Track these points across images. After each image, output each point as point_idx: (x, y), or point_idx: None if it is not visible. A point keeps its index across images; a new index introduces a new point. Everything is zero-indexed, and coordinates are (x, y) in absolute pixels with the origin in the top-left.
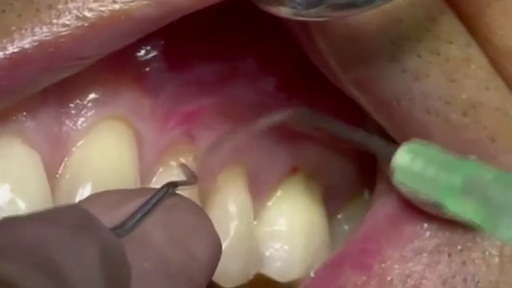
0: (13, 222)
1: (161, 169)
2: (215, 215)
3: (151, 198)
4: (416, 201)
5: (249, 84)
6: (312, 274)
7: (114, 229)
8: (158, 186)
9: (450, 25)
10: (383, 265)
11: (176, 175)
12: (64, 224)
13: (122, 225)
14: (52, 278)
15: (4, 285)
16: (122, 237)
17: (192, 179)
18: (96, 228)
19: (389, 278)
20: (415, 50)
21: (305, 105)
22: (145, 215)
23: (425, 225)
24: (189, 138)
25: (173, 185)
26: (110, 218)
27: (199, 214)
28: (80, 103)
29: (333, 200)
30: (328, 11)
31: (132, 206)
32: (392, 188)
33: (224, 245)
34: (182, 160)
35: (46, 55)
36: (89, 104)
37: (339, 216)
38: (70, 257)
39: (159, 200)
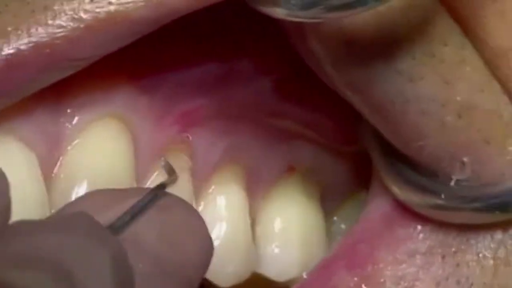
0: (27, 229)
1: (157, 169)
2: (211, 214)
3: (143, 198)
4: (409, 203)
5: (244, 84)
6: (304, 275)
7: (107, 227)
8: (154, 185)
9: (445, 27)
10: (376, 266)
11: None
12: (76, 231)
13: (112, 224)
14: (66, 286)
15: None
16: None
17: (173, 175)
18: (104, 234)
19: (382, 280)
20: (410, 52)
21: (300, 105)
22: (135, 215)
23: (419, 227)
24: (185, 137)
25: (163, 186)
26: (102, 217)
27: (191, 213)
28: (76, 101)
29: (329, 200)
30: (323, 13)
31: (124, 205)
32: (386, 190)
33: (220, 245)
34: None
35: (42, 56)
36: (85, 103)
37: (336, 215)
38: (84, 265)
39: (151, 200)
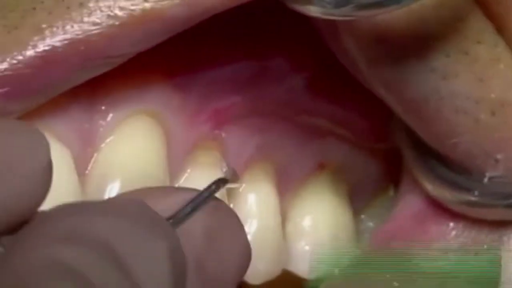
0: (79, 209)
1: (189, 165)
2: (242, 211)
3: (202, 192)
4: (442, 199)
5: (277, 82)
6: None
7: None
8: (188, 183)
9: (478, 24)
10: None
11: (205, 173)
12: (131, 216)
13: (173, 216)
14: (121, 272)
15: (75, 275)
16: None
17: (235, 178)
18: (162, 221)
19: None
20: (443, 50)
21: (332, 103)
22: (195, 209)
23: (451, 224)
24: (218, 134)
25: (223, 182)
26: (157, 209)
27: (235, 220)
28: (110, 99)
29: (358, 197)
30: (356, 11)
31: (176, 199)
32: (417, 186)
33: (251, 242)
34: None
35: (77, 53)
36: (119, 100)
37: (363, 213)
38: (141, 253)
39: (209, 196)
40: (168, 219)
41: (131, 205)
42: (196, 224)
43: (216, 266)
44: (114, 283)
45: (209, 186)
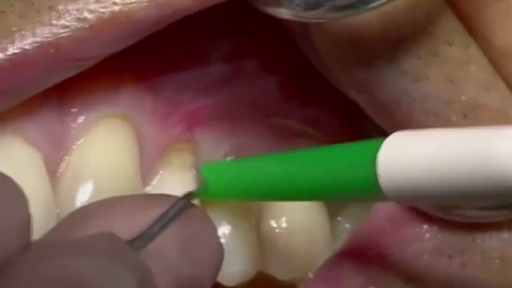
0: (50, 250)
1: (162, 167)
2: (216, 213)
3: (170, 208)
4: (416, 203)
5: (249, 83)
6: (310, 275)
7: (132, 240)
8: (160, 185)
9: (449, 26)
10: (382, 266)
11: (178, 175)
12: (99, 252)
13: (139, 236)
14: None
15: None
16: (139, 250)
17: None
18: (129, 254)
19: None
20: (414, 52)
21: (305, 104)
22: (164, 227)
23: (425, 226)
24: (190, 136)
25: (191, 195)
26: (126, 228)
27: (207, 222)
28: (81, 101)
29: None
30: (327, 13)
31: (147, 215)
32: None
33: (225, 244)
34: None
35: (46, 56)
36: (90, 102)
37: (340, 215)
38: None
39: (178, 212)
40: (139, 238)
41: (100, 240)
42: (169, 238)
43: (192, 273)
44: None
45: (179, 200)
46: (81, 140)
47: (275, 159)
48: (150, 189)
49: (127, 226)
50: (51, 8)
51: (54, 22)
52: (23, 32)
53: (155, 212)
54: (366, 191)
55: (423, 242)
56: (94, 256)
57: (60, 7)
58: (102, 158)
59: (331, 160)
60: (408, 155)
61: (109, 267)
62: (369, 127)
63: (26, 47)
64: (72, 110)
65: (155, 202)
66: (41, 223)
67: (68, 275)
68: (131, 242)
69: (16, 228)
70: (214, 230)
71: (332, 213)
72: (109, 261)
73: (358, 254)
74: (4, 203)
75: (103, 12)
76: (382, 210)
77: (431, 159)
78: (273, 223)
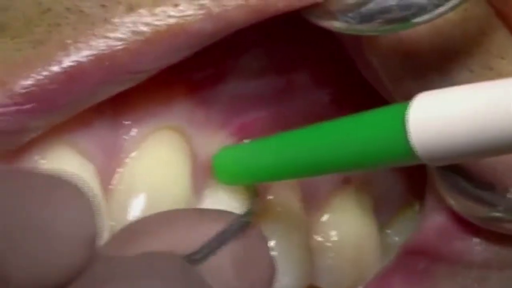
0: (116, 271)
1: (213, 181)
2: (268, 226)
3: (229, 226)
4: (466, 215)
5: (302, 96)
6: None
7: (191, 255)
8: (211, 197)
9: (502, 40)
10: (432, 279)
11: (229, 188)
12: (165, 276)
13: (198, 251)
14: None
15: None
16: (197, 265)
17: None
18: (195, 275)
19: None
20: (467, 65)
21: None
22: (223, 243)
23: (475, 239)
24: None
25: (250, 214)
26: (184, 241)
27: (261, 239)
28: (134, 114)
29: (383, 212)
30: (381, 26)
31: (206, 229)
32: (441, 202)
33: (276, 257)
34: None
35: (102, 68)
36: (143, 115)
37: (389, 228)
38: None
39: (237, 230)
40: (197, 252)
41: (166, 262)
42: (225, 254)
43: None
44: None
45: (238, 218)
46: (134, 153)
47: (298, 134)
48: (202, 202)
49: (186, 239)
50: (105, 20)
51: (109, 34)
52: (78, 44)
53: (212, 227)
54: (397, 155)
55: (473, 255)
56: (164, 279)
57: (115, 20)
58: (155, 170)
59: (357, 128)
60: (437, 112)
61: None
62: None
63: (82, 59)
64: (126, 122)
65: (212, 217)
66: None
67: None
68: (189, 256)
69: (83, 237)
70: (267, 247)
71: (382, 226)
72: (179, 284)
73: (408, 268)
74: (70, 211)
75: (158, 25)
76: (432, 223)
77: (462, 113)
78: (323, 237)
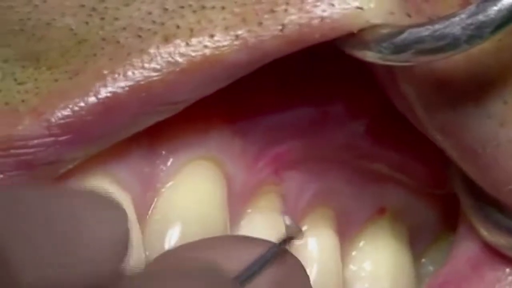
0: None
1: (249, 210)
2: (303, 256)
3: (268, 252)
4: (498, 246)
5: (337, 127)
6: None
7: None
8: (248, 227)
9: None
10: None
11: (265, 218)
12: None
13: (239, 276)
14: None
15: None
16: None
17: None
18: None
19: None
20: (501, 96)
21: (391, 148)
22: (262, 267)
23: (507, 270)
24: (278, 179)
25: (288, 240)
26: (224, 267)
27: (300, 268)
28: (171, 144)
29: (418, 242)
30: (414, 57)
31: (247, 254)
32: (474, 232)
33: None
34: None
35: (138, 99)
36: (179, 145)
37: (424, 257)
38: None
39: (276, 255)
40: (237, 277)
41: (209, 275)
42: (264, 279)
43: None
44: None
45: (276, 245)
46: (170, 183)
47: None
48: (237, 232)
49: (226, 264)
50: (142, 51)
51: (146, 65)
52: (115, 75)
53: (252, 252)
54: None
55: (504, 285)
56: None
57: (151, 50)
58: (191, 200)
59: None
60: None
61: None
62: (453, 172)
63: (118, 90)
64: (162, 152)
65: (251, 243)
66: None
67: None
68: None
69: (113, 243)
70: (307, 275)
71: (416, 255)
72: None
73: None
74: (103, 219)
75: (194, 56)
76: (464, 253)
77: None
78: (358, 266)
